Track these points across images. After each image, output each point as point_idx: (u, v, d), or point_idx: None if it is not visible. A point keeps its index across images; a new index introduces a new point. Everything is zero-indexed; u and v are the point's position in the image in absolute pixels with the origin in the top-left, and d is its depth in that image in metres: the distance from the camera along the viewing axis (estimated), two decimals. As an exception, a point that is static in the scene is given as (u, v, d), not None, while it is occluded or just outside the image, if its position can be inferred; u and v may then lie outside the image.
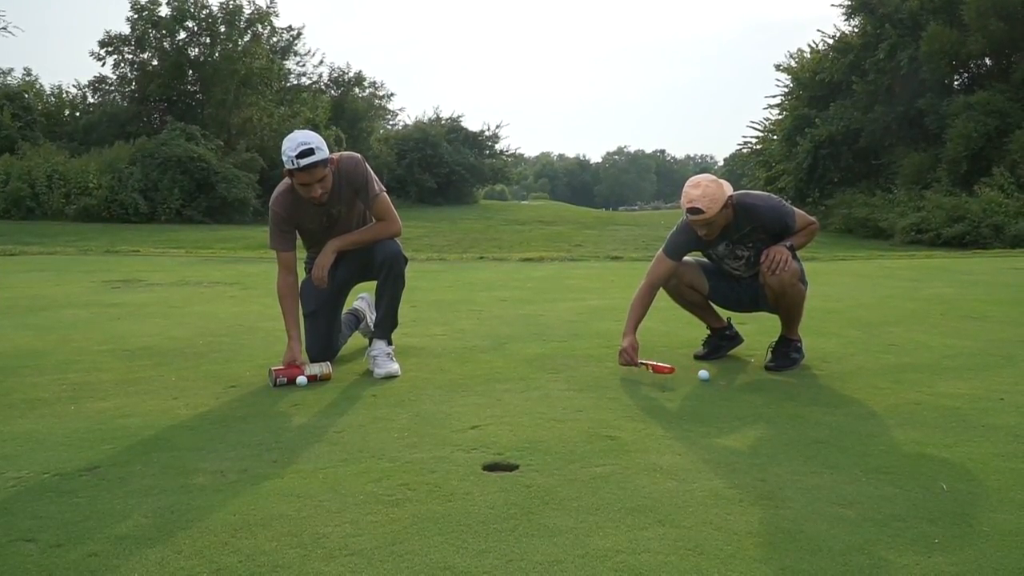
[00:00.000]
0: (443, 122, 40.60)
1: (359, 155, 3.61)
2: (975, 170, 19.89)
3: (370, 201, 3.56)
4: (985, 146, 20.06)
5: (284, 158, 3.31)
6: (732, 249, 3.58)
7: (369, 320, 4.11)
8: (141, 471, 2.30)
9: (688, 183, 3.45)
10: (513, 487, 2.15)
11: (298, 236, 3.69)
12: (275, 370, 3.37)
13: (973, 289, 6.68)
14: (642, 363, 3.46)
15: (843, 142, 24.56)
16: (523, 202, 61.08)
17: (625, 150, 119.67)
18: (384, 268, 3.57)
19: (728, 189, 3.41)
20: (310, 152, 3.26)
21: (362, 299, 4.25)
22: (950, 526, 1.90)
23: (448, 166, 37.58)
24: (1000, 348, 4.03)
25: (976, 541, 1.81)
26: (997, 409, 2.91)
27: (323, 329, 3.69)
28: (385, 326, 3.63)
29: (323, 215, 3.55)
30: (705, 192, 3.33)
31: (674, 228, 3.62)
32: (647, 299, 3.60)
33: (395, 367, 3.50)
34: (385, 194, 3.61)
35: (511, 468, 2.31)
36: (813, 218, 3.60)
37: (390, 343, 3.61)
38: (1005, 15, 20.57)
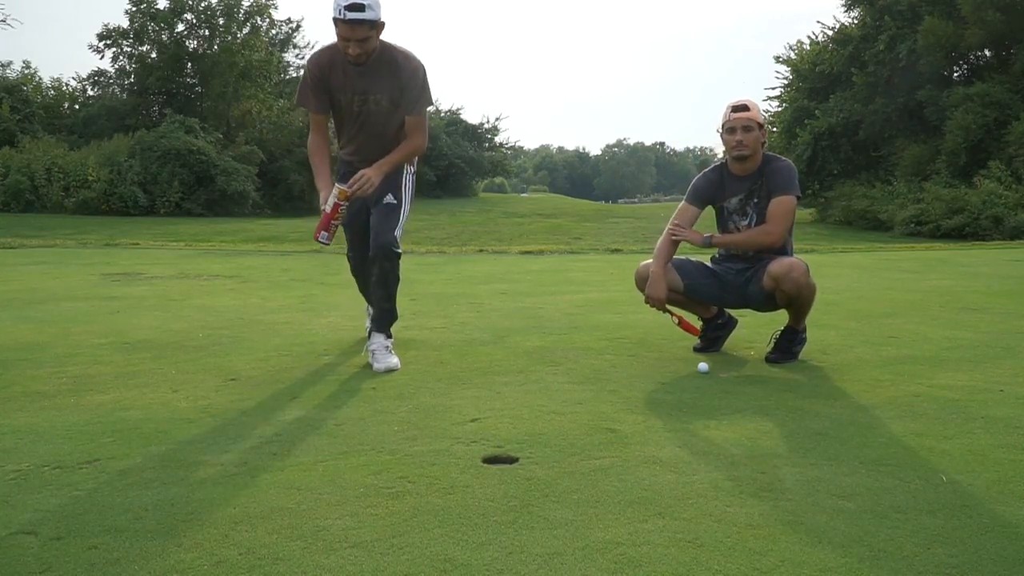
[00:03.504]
0: (442, 114, 40.60)
1: (424, 66, 3.53)
2: (974, 162, 19.91)
3: (415, 110, 3.51)
4: (984, 138, 20.06)
5: (334, 4, 3.24)
6: (743, 204, 3.65)
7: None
8: (141, 464, 2.30)
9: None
10: (513, 480, 2.16)
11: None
12: (317, 231, 3.39)
13: (973, 281, 6.69)
14: (670, 313, 3.45)
15: (843, 134, 24.54)
16: (522, 195, 61.02)
17: (624, 142, 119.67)
18: (376, 262, 3.54)
19: None
20: (360, 8, 3.21)
21: None
22: (950, 518, 1.90)
23: (447, 159, 37.58)
24: (1000, 340, 4.03)
25: (976, 533, 1.82)
26: (997, 401, 2.91)
27: (359, 230, 3.68)
28: (382, 321, 3.61)
29: (357, 93, 3.49)
30: (751, 102, 3.55)
31: (696, 176, 3.77)
32: (672, 246, 3.68)
33: (394, 360, 3.49)
34: (426, 115, 3.61)
35: (511, 461, 2.31)
36: (784, 230, 3.58)
37: (389, 336, 3.60)
38: (1002, 6, 20.53)
